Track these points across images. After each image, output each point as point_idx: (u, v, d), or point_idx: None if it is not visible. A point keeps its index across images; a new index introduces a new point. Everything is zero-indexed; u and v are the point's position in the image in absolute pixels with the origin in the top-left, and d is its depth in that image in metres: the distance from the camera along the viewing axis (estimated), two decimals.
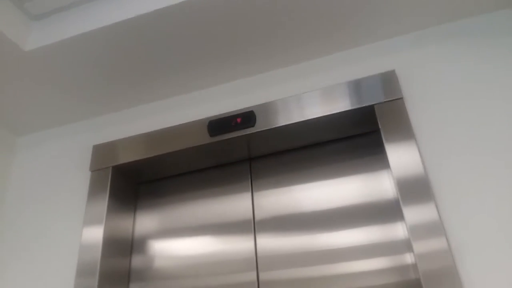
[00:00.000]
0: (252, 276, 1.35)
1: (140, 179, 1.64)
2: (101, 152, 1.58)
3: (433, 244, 1.06)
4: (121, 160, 1.52)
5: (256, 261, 1.37)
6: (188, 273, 1.42)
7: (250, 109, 1.44)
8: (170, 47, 1.42)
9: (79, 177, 1.60)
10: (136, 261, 1.52)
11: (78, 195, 1.56)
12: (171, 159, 1.52)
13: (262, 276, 1.34)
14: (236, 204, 1.48)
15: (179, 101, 1.62)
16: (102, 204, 1.47)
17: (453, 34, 1.38)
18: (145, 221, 1.58)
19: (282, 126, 1.38)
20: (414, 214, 1.11)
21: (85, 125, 1.73)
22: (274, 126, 1.38)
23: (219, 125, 1.44)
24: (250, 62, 1.51)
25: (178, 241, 1.49)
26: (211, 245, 1.44)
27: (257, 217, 1.43)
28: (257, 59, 1.49)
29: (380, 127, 1.26)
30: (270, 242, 1.38)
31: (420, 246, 1.07)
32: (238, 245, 1.41)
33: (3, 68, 1.46)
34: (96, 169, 1.55)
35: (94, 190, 1.51)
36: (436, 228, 1.08)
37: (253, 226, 1.42)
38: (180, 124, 1.51)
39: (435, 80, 1.32)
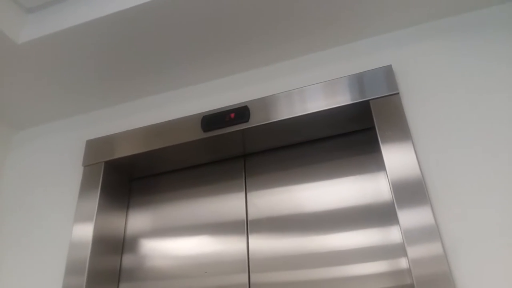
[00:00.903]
0: (244, 278, 1.31)
1: (133, 175, 1.61)
2: (94, 147, 1.55)
3: (428, 249, 1.01)
4: (114, 155, 1.50)
5: (248, 263, 1.32)
6: (179, 274, 1.39)
7: (244, 104, 1.39)
8: (164, 41, 1.39)
9: (73, 172, 1.58)
10: (127, 260, 1.48)
11: (71, 190, 1.54)
12: (164, 155, 1.48)
13: (254, 278, 1.30)
14: (229, 203, 1.44)
15: (173, 96, 1.59)
16: (94, 201, 1.44)
17: (450, 29, 1.33)
18: (137, 219, 1.54)
19: (277, 121, 1.33)
20: (409, 217, 1.06)
21: (79, 119, 1.71)
22: (268, 122, 1.34)
23: (213, 120, 1.40)
24: (245, 57, 1.47)
25: (169, 240, 1.46)
26: (203, 246, 1.40)
27: (250, 217, 1.39)
28: (251, 54, 1.46)
29: (375, 124, 1.20)
30: (262, 243, 1.33)
31: (414, 251, 1.02)
32: (230, 245, 1.37)
33: None
34: (88, 164, 1.52)
35: (86, 185, 1.49)
36: (431, 233, 1.02)
37: (245, 226, 1.38)
38: (173, 119, 1.47)
39: (432, 75, 1.27)
